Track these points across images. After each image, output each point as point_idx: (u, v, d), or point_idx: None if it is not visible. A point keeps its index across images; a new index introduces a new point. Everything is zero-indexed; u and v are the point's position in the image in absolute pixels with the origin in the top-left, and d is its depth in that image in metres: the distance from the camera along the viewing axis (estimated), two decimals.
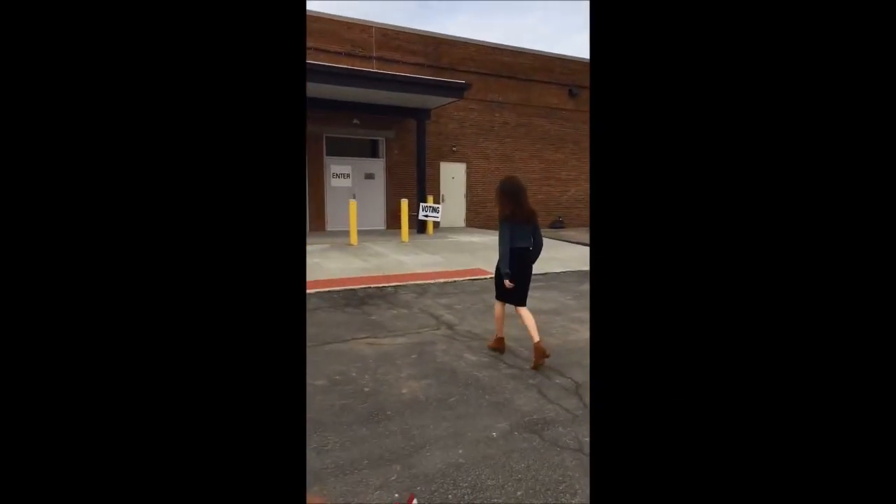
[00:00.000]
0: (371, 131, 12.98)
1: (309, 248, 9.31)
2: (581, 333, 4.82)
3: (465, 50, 13.84)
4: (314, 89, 10.11)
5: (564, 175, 15.85)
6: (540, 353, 3.82)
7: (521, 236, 3.99)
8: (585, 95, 15.18)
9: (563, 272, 8.03)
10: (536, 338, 3.89)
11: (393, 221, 13.24)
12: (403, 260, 8.58)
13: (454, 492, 2.31)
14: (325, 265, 7.92)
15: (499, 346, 4.23)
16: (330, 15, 12.24)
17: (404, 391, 3.40)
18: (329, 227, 12.67)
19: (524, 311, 4.07)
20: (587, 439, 2.73)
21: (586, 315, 5.34)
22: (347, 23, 12.43)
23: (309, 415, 3.02)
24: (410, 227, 11.10)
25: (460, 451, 2.63)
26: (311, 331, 4.72)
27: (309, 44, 11.65)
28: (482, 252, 9.52)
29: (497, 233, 4.10)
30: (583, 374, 3.71)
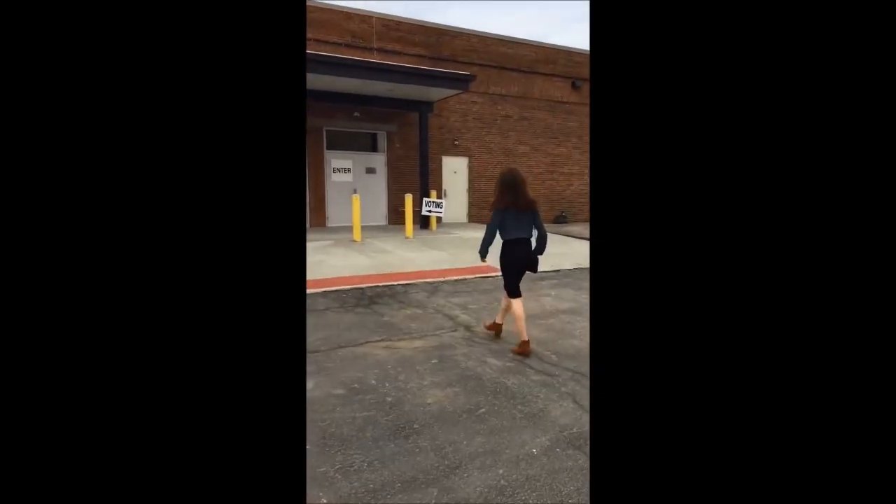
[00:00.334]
0: (372, 124, 12.68)
1: (312, 244, 9.04)
2: None
3: (466, 41, 13.54)
4: (314, 81, 9.81)
5: (567, 169, 15.59)
6: (493, 327, 4.42)
7: (518, 227, 3.98)
8: (589, 88, 14.90)
9: (576, 269, 7.81)
10: (500, 320, 4.38)
11: (394, 217, 12.97)
12: (410, 256, 8.33)
13: None
14: (329, 262, 7.66)
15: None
16: (329, 4, 11.91)
17: (430, 401, 3.17)
18: (330, 223, 12.38)
19: (515, 303, 4.11)
20: None
21: None
22: (347, 13, 12.11)
23: (330, 429, 2.79)
24: (414, 222, 10.84)
25: (501, 472, 2.40)
26: (322, 333, 4.48)
27: (308, 34, 11.33)
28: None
29: None
30: None
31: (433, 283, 6.66)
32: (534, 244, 4.05)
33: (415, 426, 2.84)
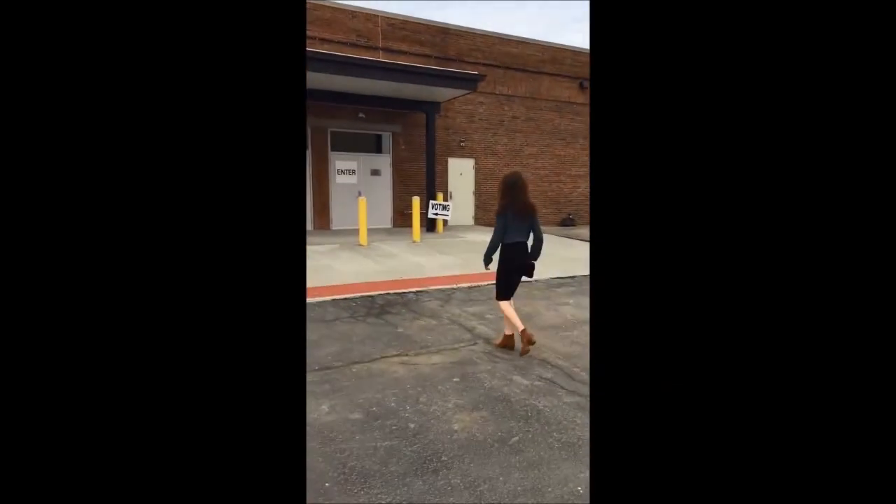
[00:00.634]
0: (376, 125, 12.42)
1: (317, 248, 8.77)
2: None
3: (472, 40, 13.28)
4: (319, 80, 9.54)
5: (575, 171, 15.32)
6: (506, 341, 4.20)
7: (517, 231, 4.03)
8: None
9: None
10: (509, 332, 4.18)
11: (399, 219, 12.71)
12: (418, 261, 8.07)
13: None
14: (336, 267, 7.39)
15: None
16: (333, 3, 11.65)
17: (456, 427, 2.90)
18: (334, 226, 12.11)
19: (504, 304, 4.14)
20: None
21: None
22: (352, 11, 11.85)
23: (350, 461, 2.52)
24: (420, 225, 10.57)
25: None
26: (334, 347, 4.22)
27: (311, 33, 11.07)
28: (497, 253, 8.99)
29: None
30: None
31: (445, 290, 6.39)
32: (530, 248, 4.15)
33: (443, 458, 2.58)
